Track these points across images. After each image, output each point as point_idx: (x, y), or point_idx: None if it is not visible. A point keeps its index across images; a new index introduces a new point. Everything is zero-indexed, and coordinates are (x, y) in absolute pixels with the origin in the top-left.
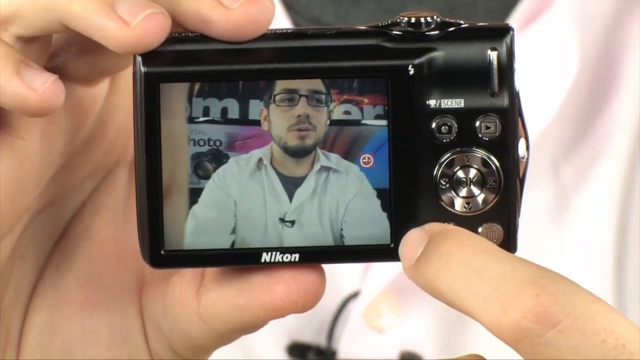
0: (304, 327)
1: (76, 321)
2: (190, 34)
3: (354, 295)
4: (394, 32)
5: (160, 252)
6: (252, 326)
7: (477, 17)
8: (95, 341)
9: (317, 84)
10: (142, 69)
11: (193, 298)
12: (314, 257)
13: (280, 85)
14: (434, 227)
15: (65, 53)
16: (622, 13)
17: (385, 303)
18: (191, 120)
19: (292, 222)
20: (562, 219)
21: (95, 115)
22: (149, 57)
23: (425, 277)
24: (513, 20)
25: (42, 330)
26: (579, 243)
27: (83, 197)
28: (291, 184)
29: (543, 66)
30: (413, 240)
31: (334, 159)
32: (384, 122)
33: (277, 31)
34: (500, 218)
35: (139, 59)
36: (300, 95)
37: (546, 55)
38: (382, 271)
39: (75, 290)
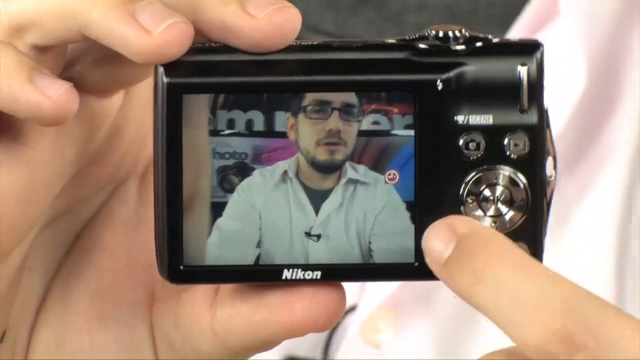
0: (299, 341)
1: (84, 336)
2: (213, 44)
3: (351, 309)
4: (422, 45)
5: (179, 267)
6: (267, 344)
7: (479, 24)
8: (103, 357)
9: (351, 97)
10: (164, 80)
11: (206, 313)
12: (335, 274)
13: (311, 96)
14: (459, 223)
15: (81, 63)
16: (626, 24)
17: (382, 318)
18: (215, 132)
19: (318, 236)
20: (563, 230)
21: (108, 127)
22: (171, 67)
23: (458, 287)
24: (517, 29)
25: (49, 345)
26: (579, 254)
27: (94, 209)
28: (317, 197)
29: (549, 78)
30: (439, 236)
31: (361, 171)
32: (412, 133)
33: (302, 43)
34: (527, 237)
35: (161, 69)
36: (333, 109)
37: (552, 67)
38: (379, 286)
39: (84, 304)
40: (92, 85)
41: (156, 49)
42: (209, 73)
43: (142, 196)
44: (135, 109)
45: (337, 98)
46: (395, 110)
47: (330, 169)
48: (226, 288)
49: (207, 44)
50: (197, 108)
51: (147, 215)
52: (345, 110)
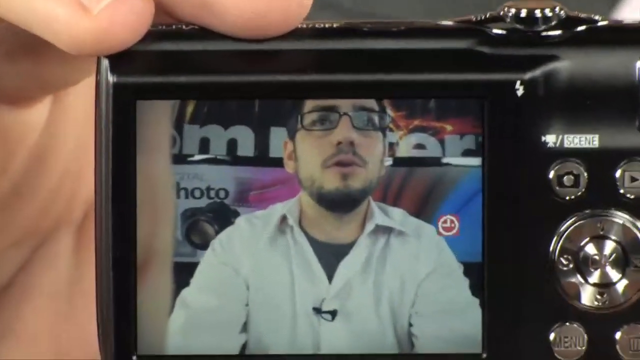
0: None
1: None
2: (183, 27)
3: None
4: (495, 30)
5: (132, 358)
6: None
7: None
8: None
9: (366, 100)
10: (110, 79)
11: None
12: None
13: (311, 102)
14: None
15: None
16: None
17: None
18: (181, 158)
19: (334, 314)
20: None
21: (26, 152)
22: (121, 60)
23: None
24: (633, 4)
25: None
26: None
27: (6, 276)
28: (331, 255)
29: None
30: None
31: (397, 216)
32: (477, 162)
33: (315, 26)
34: None
35: (106, 63)
36: (341, 114)
37: None
38: None
39: None
40: (3, 89)
41: (98, 34)
42: (176, 69)
43: (78, 257)
44: (69, 125)
45: (347, 101)
46: (450, 127)
47: (345, 203)
48: None
49: (174, 27)
50: (158, 121)
51: (84, 285)
52: (359, 116)
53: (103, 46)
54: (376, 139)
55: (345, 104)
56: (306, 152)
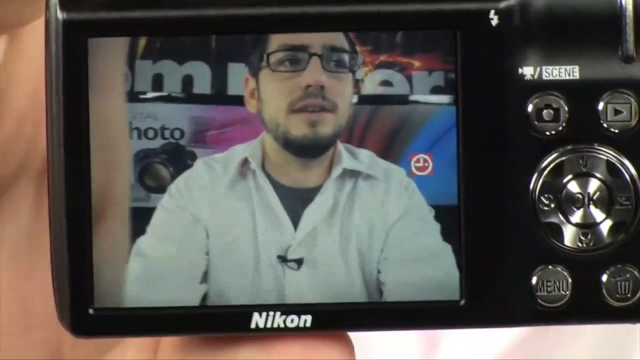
0: None
1: None
2: None
3: None
4: None
5: (88, 311)
6: None
7: None
8: None
9: (337, 38)
10: (60, 16)
11: None
12: (335, 320)
13: (278, 39)
14: None
15: None
16: None
17: None
18: (134, 96)
19: (299, 262)
20: None
21: None
22: None
23: None
24: None
25: None
26: None
27: None
28: (296, 200)
29: None
30: None
31: (365, 158)
32: (448, 99)
33: None
34: (634, 258)
35: None
36: (311, 55)
37: None
38: (459, 342)
39: None
40: None
41: None
42: (128, 4)
43: (38, 208)
44: (25, 66)
45: (317, 40)
46: (418, 63)
47: (313, 149)
48: (171, 342)
49: None
50: (109, 59)
51: (45, 238)
52: (331, 57)
53: None
54: (346, 81)
55: (314, 43)
56: (271, 93)
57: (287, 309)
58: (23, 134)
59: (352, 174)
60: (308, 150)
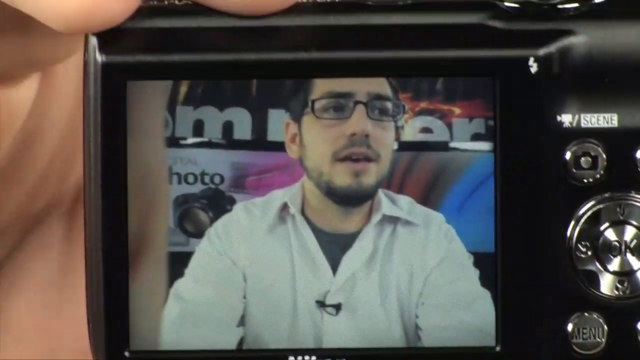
0: None
1: None
2: (177, 2)
3: None
4: (508, 4)
5: (124, 354)
6: None
7: None
8: None
9: (381, 86)
10: (99, 58)
11: None
12: None
13: (322, 86)
14: None
15: None
16: None
17: None
18: (174, 142)
19: (338, 307)
20: None
21: (13, 133)
22: (110, 38)
23: None
24: None
25: None
26: None
27: None
28: (335, 245)
29: None
30: None
31: (404, 205)
32: (488, 146)
33: (317, 0)
34: None
35: (94, 41)
36: (356, 102)
37: None
38: None
39: None
40: None
41: (85, 11)
42: (168, 47)
43: (69, 244)
44: (58, 104)
45: (362, 87)
46: (459, 110)
47: (355, 199)
48: None
49: (166, 2)
50: (149, 103)
51: (76, 275)
52: (375, 105)
53: (91, 23)
54: (389, 130)
55: (359, 91)
56: (315, 140)
57: (323, 354)
58: (54, 170)
59: (391, 220)
60: (350, 199)
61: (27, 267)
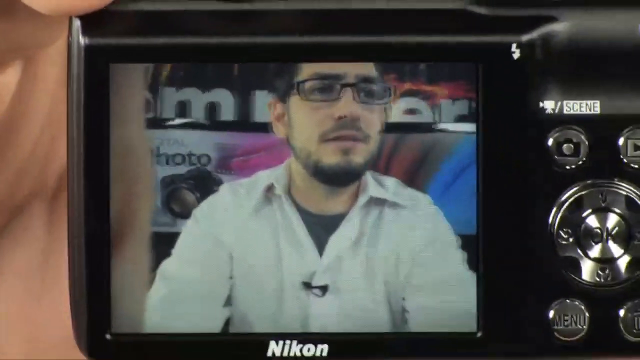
0: None
1: None
2: None
3: None
4: None
5: (105, 336)
6: None
7: None
8: None
9: (368, 68)
10: (83, 41)
11: None
12: (351, 350)
13: (310, 68)
14: None
15: None
16: None
17: None
18: (158, 122)
19: (324, 289)
20: None
21: None
22: (94, 21)
23: None
24: None
25: None
26: None
27: None
28: (322, 227)
29: None
30: None
31: (390, 186)
32: (472, 128)
33: None
34: None
35: (77, 24)
36: (343, 85)
37: None
38: None
39: None
40: None
41: None
42: (152, 30)
43: (51, 232)
44: (41, 90)
45: (352, 70)
46: (443, 91)
47: (343, 178)
48: None
49: None
50: (133, 85)
51: (58, 262)
52: (364, 88)
53: (76, 6)
54: (377, 112)
55: (347, 74)
56: (302, 121)
57: (304, 338)
58: (37, 157)
59: (378, 201)
60: (338, 178)
61: (9, 254)
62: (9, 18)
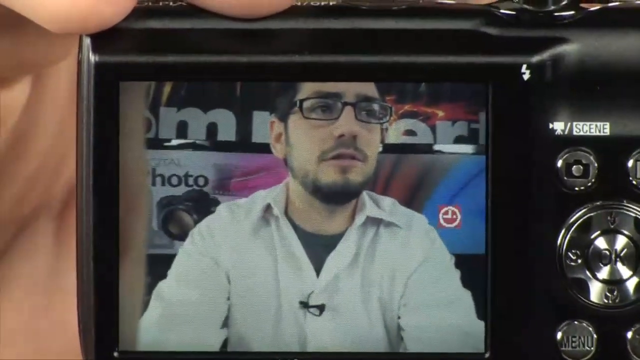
0: None
1: None
2: (171, 4)
3: None
4: (502, 11)
5: (113, 354)
6: None
7: None
8: None
9: (369, 87)
10: (93, 58)
11: None
12: None
13: (310, 86)
14: None
15: None
16: None
17: None
18: (156, 143)
19: (321, 308)
20: None
21: (3, 136)
22: (104, 39)
23: None
24: None
25: None
26: None
27: None
28: (319, 247)
29: None
30: None
31: (387, 206)
32: (470, 149)
33: (312, 4)
34: None
35: (88, 41)
36: (344, 104)
37: None
38: None
39: None
40: None
41: (81, 10)
42: (162, 49)
43: (58, 247)
44: (49, 107)
45: (351, 89)
46: (442, 113)
47: (341, 198)
48: None
49: (162, 3)
50: (136, 103)
51: (64, 277)
52: (363, 107)
53: (87, 24)
54: (376, 131)
55: (348, 93)
56: (301, 139)
57: (302, 358)
58: (44, 173)
59: (374, 221)
60: (336, 197)
61: (15, 269)
62: (19, 35)
